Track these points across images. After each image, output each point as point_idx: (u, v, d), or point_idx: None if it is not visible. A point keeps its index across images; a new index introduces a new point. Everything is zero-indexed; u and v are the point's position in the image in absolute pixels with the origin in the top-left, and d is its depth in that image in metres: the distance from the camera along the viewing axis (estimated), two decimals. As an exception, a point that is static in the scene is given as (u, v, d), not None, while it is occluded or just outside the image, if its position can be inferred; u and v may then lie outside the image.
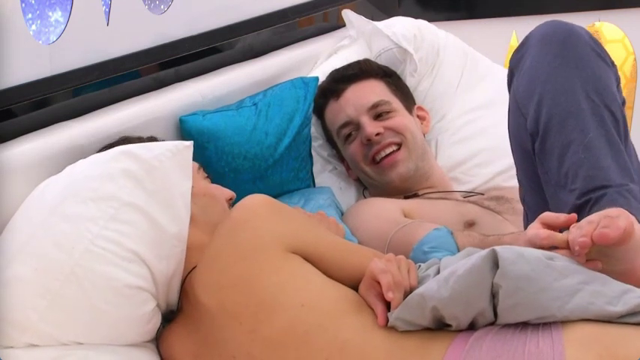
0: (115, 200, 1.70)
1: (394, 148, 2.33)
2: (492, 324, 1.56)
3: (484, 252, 1.57)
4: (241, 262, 1.67)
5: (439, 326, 1.59)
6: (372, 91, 2.40)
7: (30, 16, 1.99)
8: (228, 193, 1.94)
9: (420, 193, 2.35)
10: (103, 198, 1.70)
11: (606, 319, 1.52)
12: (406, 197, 2.34)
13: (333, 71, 2.47)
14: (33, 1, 1.99)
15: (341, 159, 2.47)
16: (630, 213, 1.61)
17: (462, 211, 2.25)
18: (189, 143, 1.79)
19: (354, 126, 2.36)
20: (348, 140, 2.37)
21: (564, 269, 1.55)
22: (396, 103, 2.40)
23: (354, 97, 2.38)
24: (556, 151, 1.76)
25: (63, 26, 2.05)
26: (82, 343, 1.69)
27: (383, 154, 2.33)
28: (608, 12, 3.14)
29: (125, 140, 1.95)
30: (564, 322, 1.52)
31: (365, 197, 2.44)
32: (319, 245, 1.72)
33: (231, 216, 1.73)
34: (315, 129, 2.47)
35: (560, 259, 1.59)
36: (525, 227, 1.90)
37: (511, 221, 2.19)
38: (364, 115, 2.35)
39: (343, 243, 1.79)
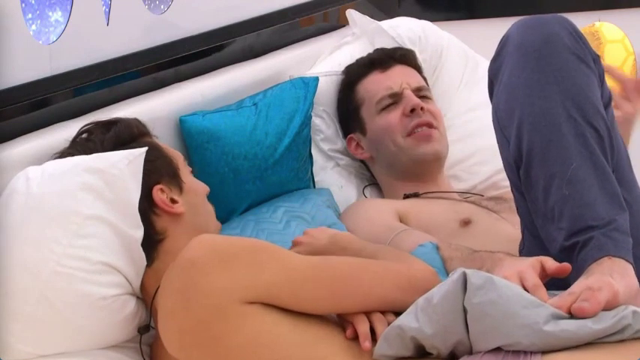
0: (76, 215, 1.68)
1: (433, 126, 2.37)
2: (472, 352, 1.57)
3: (455, 275, 1.57)
4: (200, 325, 1.59)
5: (421, 354, 1.59)
6: (416, 76, 2.46)
7: (30, 16, 1.99)
8: (204, 188, 1.89)
9: (421, 192, 2.35)
10: (64, 215, 1.68)
11: (584, 342, 1.51)
12: (405, 197, 2.34)
13: (380, 48, 2.52)
14: (33, 1, 1.99)
15: (348, 140, 2.45)
16: (617, 256, 1.63)
17: (458, 210, 2.25)
18: (144, 150, 1.77)
19: (397, 97, 2.39)
20: (387, 110, 2.39)
21: (535, 300, 1.55)
22: (431, 95, 2.45)
23: (402, 74, 2.44)
24: (540, 183, 1.74)
25: (63, 26, 2.05)
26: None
27: (420, 130, 2.35)
28: (608, 12, 3.14)
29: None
30: (545, 352, 1.52)
31: (365, 196, 2.45)
32: (272, 288, 1.62)
33: (178, 274, 1.61)
34: (319, 121, 2.47)
35: None
36: (523, 238, 1.91)
37: (508, 220, 2.20)
38: (409, 90, 2.40)
39: (296, 276, 1.64)
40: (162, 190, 1.77)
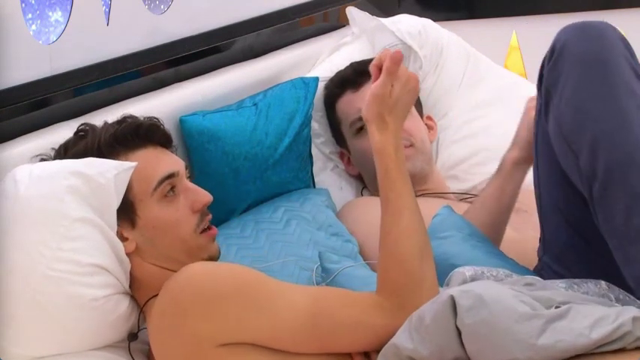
0: (63, 218, 1.66)
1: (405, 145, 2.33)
2: None
3: (444, 296, 1.56)
4: None
5: None
6: None
7: (30, 16, 1.99)
8: (199, 203, 1.76)
9: (417, 193, 2.35)
10: (52, 218, 1.66)
11: (581, 353, 1.50)
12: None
13: (354, 63, 2.48)
14: (33, 1, 1.99)
15: (340, 154, 2.47)
16: None
17: (455, 211, 2.25)
18: (134, 164, 1.72)
19: None
20: (361, 133, 2.37)
21: (527, 311, 1.54)
22: None
23: None
24: (622, 202, 1.66)
25: (63, 26, 2.05)
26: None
27: None
28: (608, 12, 3.14)
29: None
30: None
31: (363, 196, 2.45)
32: (256, 336, 1.62)
33: (163, 310, 1.63)
34: (318, 126, 2.47)
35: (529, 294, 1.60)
36: (541, 259, 1.89)
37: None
38: None
39: (284, 327, 1.63)
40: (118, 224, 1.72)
